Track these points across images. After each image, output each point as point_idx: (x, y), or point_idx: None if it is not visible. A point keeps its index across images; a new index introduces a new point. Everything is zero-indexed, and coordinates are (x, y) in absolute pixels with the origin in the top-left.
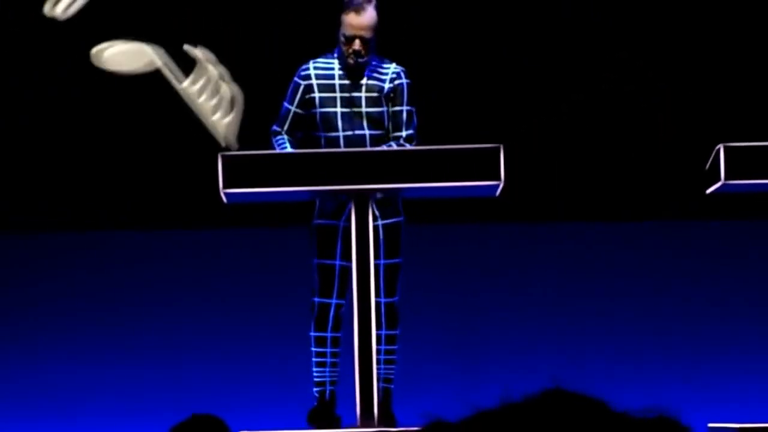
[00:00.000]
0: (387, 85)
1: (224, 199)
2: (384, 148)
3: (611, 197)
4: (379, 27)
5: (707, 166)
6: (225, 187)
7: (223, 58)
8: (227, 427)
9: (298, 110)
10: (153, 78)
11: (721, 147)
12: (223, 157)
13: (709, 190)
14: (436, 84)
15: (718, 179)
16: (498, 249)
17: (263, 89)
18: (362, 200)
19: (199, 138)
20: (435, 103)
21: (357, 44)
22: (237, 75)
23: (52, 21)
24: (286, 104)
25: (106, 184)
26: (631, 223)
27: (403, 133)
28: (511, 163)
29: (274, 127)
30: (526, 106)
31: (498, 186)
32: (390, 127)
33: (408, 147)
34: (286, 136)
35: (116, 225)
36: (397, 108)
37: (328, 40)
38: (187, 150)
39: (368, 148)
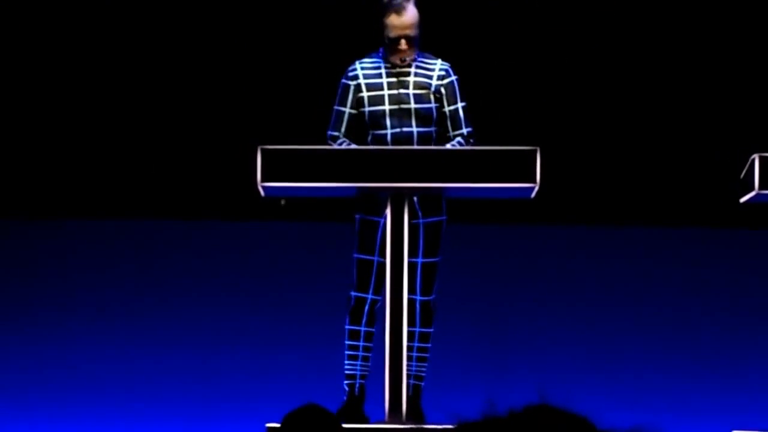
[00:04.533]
0: (435, 82)
1: (262, 192)
2: (421, 147)
3: (646, 202)
4: (421, 23)
5: (742, 175)
6: (263, 180)
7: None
8: (337, 420)
9: (352, 111)
10: (192, 66)
11: (756, 157)
12: (262, 150)
13: (743, 199)
14: (472, 85)
15: (753, 188)
16: (529, 250)
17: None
18: (398, 198)
19: (238, 130)
20: (471, 104)
21: (403, 44)
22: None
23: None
24: (338, 107)
25: (144, 174)
26: (665, 228)
27: (464, 131)
28: (547, 166)
29: (331, 132)
30: (563, 110)
31: (533, 188)
32: (450, 126)
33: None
34: (346, 139)
35: (154, 214)
36: (453, 107)
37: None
38: (226, 142)
39: (403, 147)
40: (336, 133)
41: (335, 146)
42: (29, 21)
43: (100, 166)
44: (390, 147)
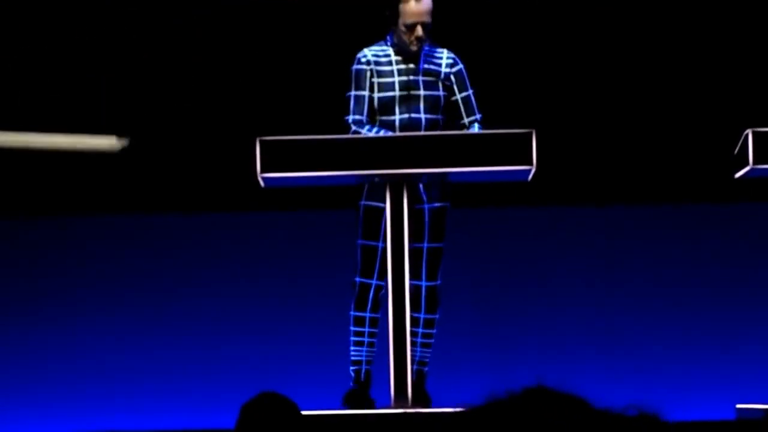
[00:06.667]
0: (444, 70)
1: (261, 183)
2: (416, 133)
3: (644, 181)
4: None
5: (736, 151)
6: (263, 171)
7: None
8: (296, 406)
9: (372, 94)
10: (189, 59)
11: (749, 132)
12: (261, 141)
13: (737, 175)
14: (470, 68)
15: (747, 164)
16: (531, 233)
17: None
18: (397, 184)
19: (237, 122)
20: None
21: (419, 30)
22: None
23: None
24: (356, 92)
25: (144, 168)
26: (663, 206)
27: (477, 116)
28: (543, 148)
29: (354, 117)
30: (558, 91)
31: (530, 171)
32: (463, 112)
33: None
34: (370, 124)
35: (154, 208)
36: (465, 93)
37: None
38: (226, 134)
39: (399, 134)
40: (360, 117)
41: (364, 132)
42: (26, 17)
43: (98, 163)
44: (386, 134)
